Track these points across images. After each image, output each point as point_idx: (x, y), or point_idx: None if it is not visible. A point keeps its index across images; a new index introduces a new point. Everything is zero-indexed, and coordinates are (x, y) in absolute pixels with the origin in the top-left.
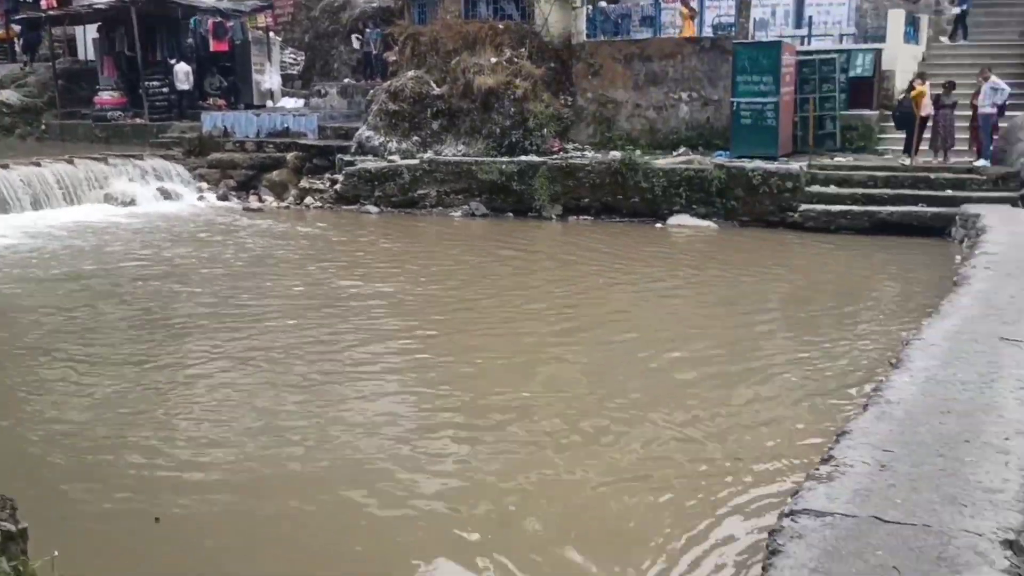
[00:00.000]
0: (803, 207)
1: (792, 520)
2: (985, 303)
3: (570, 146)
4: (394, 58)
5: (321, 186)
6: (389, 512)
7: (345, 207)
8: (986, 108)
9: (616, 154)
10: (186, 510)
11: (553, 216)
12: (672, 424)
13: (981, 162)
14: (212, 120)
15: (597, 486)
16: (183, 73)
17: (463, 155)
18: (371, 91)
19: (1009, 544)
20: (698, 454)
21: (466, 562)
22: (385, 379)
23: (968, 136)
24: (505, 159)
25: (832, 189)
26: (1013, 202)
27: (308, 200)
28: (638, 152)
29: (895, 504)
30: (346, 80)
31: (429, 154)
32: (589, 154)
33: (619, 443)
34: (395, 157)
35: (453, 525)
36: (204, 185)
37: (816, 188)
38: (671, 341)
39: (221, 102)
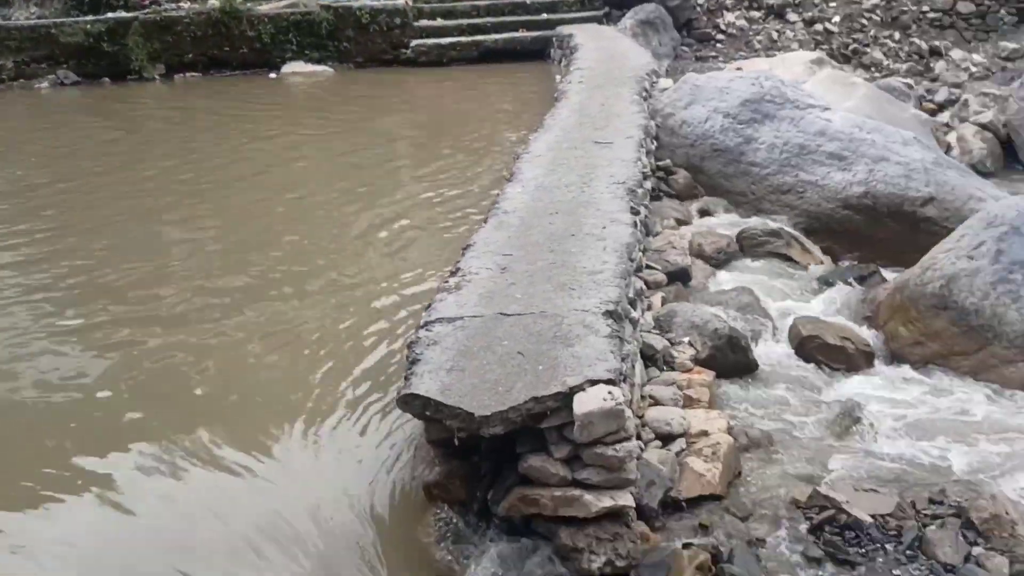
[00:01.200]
0: (414, 43)
1: (427, 330)
2: (580, 113)
3: None
4: None
5: None
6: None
7: None
8: None
9: (215, 2)
10: None
11: (156, 76)
12: (323, 270)
13: None
14: None
15: (255, 352)
16: None
17: (38, 18)
18: None
19: (610, 314)
20: (347, 293)
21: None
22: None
23: None
24: (90, 18)
25: (439, 22)
26: (599, 20)
27: None
28: None
29: (516, 299)
30: None
31: None
32: (185, 5)
33: (266, 301)
34: None
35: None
36: None
37: (424, 23)
38: (310, 191)
39: None
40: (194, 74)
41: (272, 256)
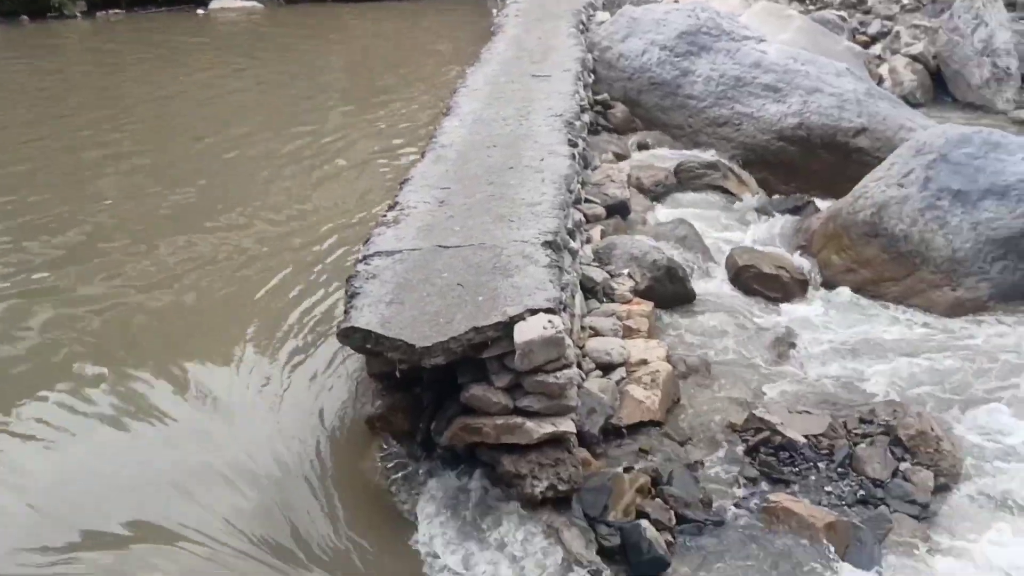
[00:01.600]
0: None
1: (365, 263)
2: (517, 47)
3: None
4: None
5: None
6: None
7: None
8: None
9: None
10: None
11: (77, 13)
12: (263, 209)
13: None
14: None
15: (196, 292)
16: None
17: None
18: None
19: (549, 244)
20: (286, 229)
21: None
22: None
23: None
24: None
25: None
26: None
27: None
28: None
29: (454, 232)
30: None
31: None
32: None
33: (206, 239)
34: None
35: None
36: None
37: None
38: (246, 131)
39: None
40: (117, 11)
41: (210, 194)
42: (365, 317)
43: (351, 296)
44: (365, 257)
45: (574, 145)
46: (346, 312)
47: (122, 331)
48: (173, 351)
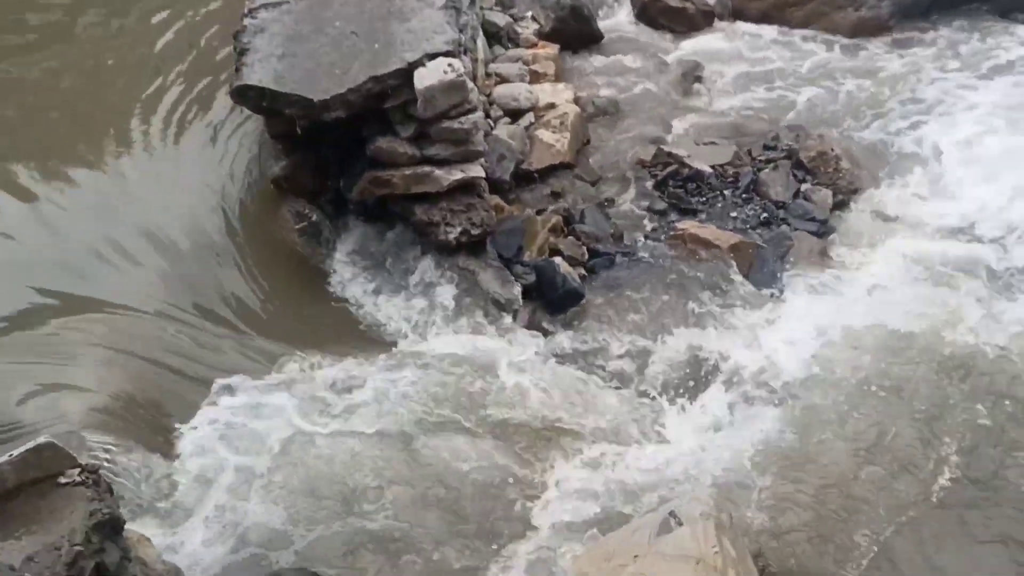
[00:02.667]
0: None
1: (251, 17)
2: None
3: None
4: None
5: None
6: None
7: None
8: None
9: None
10: None
11: None
12: None
13: None
14: None
15: (97, 67)
16: None
17: None
18: None
19: None
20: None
21: None
22: None
23: None
24: None
25: None
26: None
27: None
28: None
29: None
30: None
31: None
32: None
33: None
34: None
35: None
36: None
37: None
38: None
39: None
40: None
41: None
42: (257, 74)
43: (240, 53)
44: (250, 11)
45: None
46: (237, 70)
47: (22, 121)
48: (75, 135)
